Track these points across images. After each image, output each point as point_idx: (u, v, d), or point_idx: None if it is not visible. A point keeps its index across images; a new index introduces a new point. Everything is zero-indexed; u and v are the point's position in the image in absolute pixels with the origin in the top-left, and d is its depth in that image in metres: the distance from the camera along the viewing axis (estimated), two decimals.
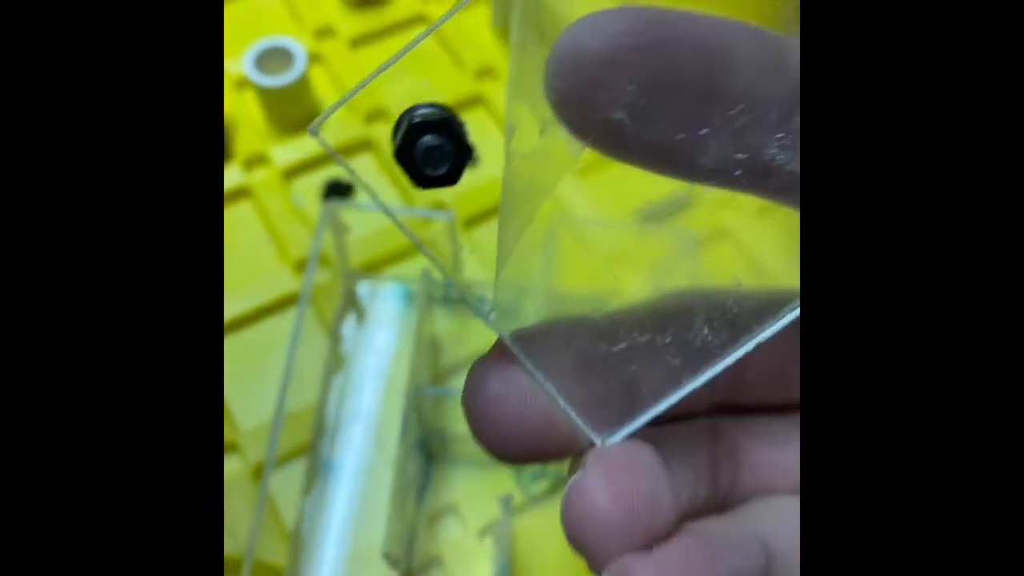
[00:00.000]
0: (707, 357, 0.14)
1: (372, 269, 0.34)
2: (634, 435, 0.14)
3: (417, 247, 0.14)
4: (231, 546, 0.29)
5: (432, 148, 0.13)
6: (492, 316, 0.14)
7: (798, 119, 0.13)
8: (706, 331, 0.14)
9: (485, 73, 0.40)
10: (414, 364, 0.27)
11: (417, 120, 0.13)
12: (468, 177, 0.37)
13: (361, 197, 0.36)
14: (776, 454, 0.16)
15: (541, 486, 0.30)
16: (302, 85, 0.36)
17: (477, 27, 0.41)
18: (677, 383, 0.14)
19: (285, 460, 0.30)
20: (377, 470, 0.30)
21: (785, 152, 0.13)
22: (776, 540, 0.15)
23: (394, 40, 0.41)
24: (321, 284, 0.32)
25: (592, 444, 0.14)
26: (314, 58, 0.39)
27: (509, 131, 0.14)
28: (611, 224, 0.34)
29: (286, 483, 0.30)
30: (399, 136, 0.13)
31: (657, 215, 0.27)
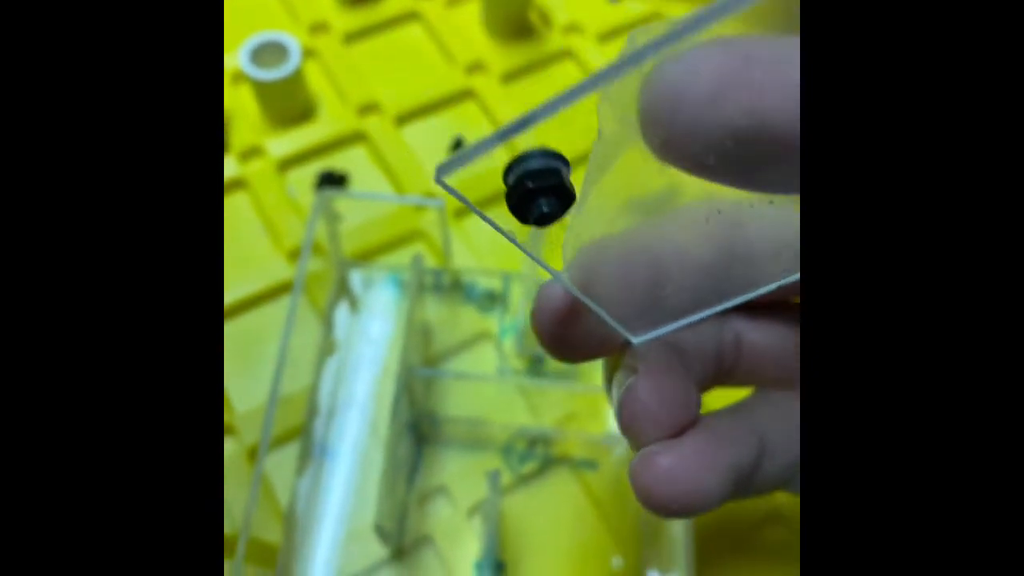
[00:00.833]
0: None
1: (364, 258, 0.35)
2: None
3: (516, 245, 0.15)
4: (227, 525, 0.30)
5: (545, 215, 0.14)
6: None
7: None
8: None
9: (475, 68, 0.41)
10: (406, 346, 0.28)
11: (531, 187, 0.14)
12: (458, 172, 0.38)
13: (354, 188, 0.37)
14: (773, 343, 0.19)
15: (528, 466, 0.31)
16: (296, 79, 0.37)
17: (468, 23, 0.42)
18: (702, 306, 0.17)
19: (280, 442, 0.31)
20: (369, 452, 0.31)
21: None
22: (770, 434, 0.18)
23: (386, 36, 0.42)
24: (314, 272, 0.33)
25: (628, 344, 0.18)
26: (308, 53, 0.40)
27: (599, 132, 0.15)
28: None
29: (281, 464, 0.31)
30: (514, 196, 0.14)
31: (646, 207, 0.28)
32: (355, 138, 0.38)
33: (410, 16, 0.43)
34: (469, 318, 0.34)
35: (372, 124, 0.39)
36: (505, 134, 0.13)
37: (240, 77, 0.39)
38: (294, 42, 0.37)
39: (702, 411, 0.18)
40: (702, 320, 0.17)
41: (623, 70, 0.12)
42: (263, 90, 0.36)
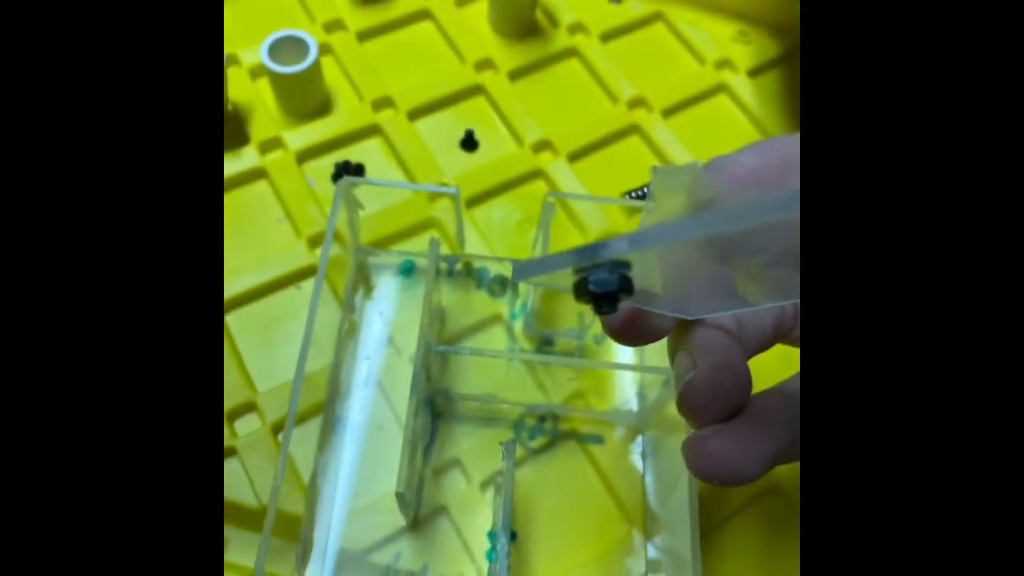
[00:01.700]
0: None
1: (380, 245, 0.37)
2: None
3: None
4: (251, 498, 0.31)
5: (609, 311, 0.18)
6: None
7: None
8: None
9: (484, 65, 0.42)
10: (424, 324, 0.30)
11: (595, 292, 0.18)
12: (468, 161, 0.41)
13: (370, 177, 0.39)
14: None
15: (538, 441, 0.33)
16: (315, 71, 0.38)
17: (477, 23, 0.44)
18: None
19: (302, 419, 0.33)
20: (387, 427, 0.33)
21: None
22: None
23: (398, 34, 0.44)
24: (333, 257, 0.35)
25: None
26: (324, 50, 0.42)
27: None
28: (601, 200, 0.36)
29: (302, 440, 0.32)
30: (585, 298, 0.18)
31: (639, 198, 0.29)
32: (370, 131, 0.40)
33: (421, 15, 0.44)
34: (481, 302, 0.36)
35: (386, 118, 0.40)
36: (580, 260, 0.17)
37: (259, 72, 0.41)
38: (311, 37, 0.38)
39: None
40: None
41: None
42: (283, 83, 0.38)
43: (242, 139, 0.39)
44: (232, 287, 0.35)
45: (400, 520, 0.31)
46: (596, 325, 0.35)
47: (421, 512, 0.31)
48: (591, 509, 0.32)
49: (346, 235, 0.35)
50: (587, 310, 0.35)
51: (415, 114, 0.41)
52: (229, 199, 0.38)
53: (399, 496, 0.28)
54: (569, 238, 0.38)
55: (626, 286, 0.17)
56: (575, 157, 0.40)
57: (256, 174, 0.38)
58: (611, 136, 0.41)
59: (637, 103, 0.42)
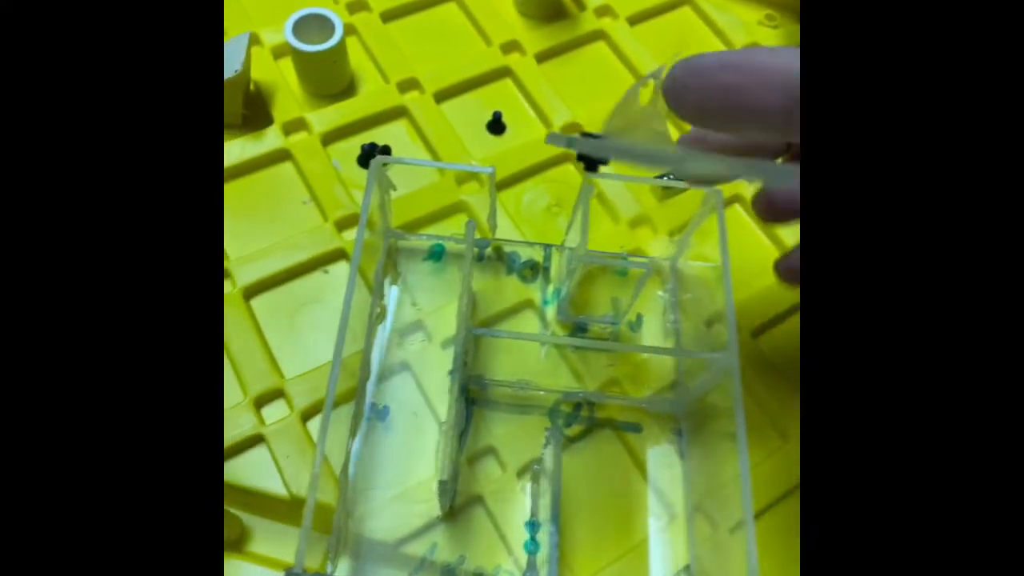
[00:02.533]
0: None
1: (408, 229, 0.36)
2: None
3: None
4: (279, 487, 0.30)
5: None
6: None
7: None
8: None
9: (511, 47, 0.41)
10: (464, 306, 0.29)
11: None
12: (496, 144, 0.41)
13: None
14: None
15: (575, 429, 0.32)
16: (340, 50, 0.37)
17: (501, 5, 0.43)
18: None
19: (333, 406, 0.32)
20: (420, 414, 0.32)
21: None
22: None
23: (423, 16, 0.43)
24: (364, 241, 0.34)
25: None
26: (348, 30, 0.41)
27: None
28: (634, 180, 0.36)
29: (333, 427, 0.31)
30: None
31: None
32: (396, 113, 0.39)
33: None
34: (512, 288, 0.35)
35: (412, 100, 0.39)
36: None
37: (281, 52, 0.40)
38: (336, 15, 0.37)
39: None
40: None
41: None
42: (308, 62, 0.37)
43: (265, 119, 0.38)
44: (257, 271, 0.34)
45: (435, 509, 0.30)
46: (631, 311, 0.35)
47: (456, 501, 0.31)
48: (629, 499, 0.31)
49: (376, 218, 0.34)
50: (622, 296, 0.34)
51: (441, 96, 0.40)
52: (253, 180, 0.37)
53: (441, 484, 0.27)
54: (599, 222, 0.37)
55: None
56: None
57: (280, 155, 0.37)
58: None
59: None
